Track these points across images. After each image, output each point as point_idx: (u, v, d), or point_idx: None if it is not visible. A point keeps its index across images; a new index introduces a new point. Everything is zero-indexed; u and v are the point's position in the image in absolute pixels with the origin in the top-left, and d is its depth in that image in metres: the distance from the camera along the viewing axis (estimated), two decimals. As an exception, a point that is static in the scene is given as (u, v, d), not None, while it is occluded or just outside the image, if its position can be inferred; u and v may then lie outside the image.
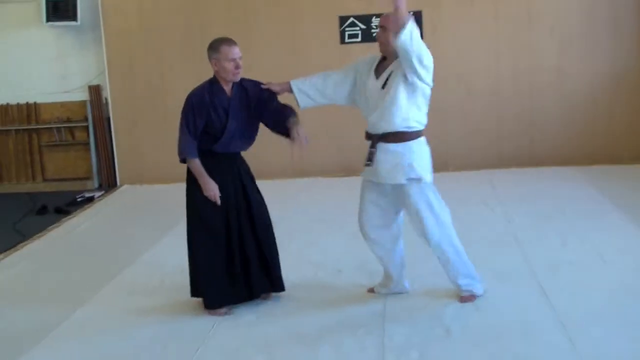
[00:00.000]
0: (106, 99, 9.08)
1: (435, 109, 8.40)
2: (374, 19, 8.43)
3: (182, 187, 8.55)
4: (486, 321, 4.29)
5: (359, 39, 8.54)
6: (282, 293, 4.89)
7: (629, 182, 7.56)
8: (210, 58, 4.59)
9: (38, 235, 6.95)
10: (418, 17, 8.39)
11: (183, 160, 4.68)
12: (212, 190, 4.57)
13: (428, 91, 4.57)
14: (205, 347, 4.21)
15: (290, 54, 8.63)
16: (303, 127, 4.57)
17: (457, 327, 4.23)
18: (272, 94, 4.73)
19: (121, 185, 9.03)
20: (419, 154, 4.52)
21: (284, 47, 8.66)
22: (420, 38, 4.34)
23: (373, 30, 8.46)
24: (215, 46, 4.56)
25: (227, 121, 4.59)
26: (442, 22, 8.50)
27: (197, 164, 4.59)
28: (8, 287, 5.56)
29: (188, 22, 8.72)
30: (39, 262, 6.15)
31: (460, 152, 8.61)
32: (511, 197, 7.21)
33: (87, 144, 9.22)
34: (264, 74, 8.48)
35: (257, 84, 4.75)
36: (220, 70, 4.58)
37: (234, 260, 4.66)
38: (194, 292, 4.75)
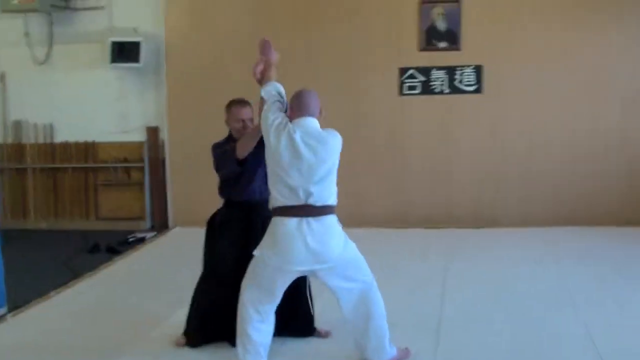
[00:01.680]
0: (163, 141, 9.17)
1: (494, 164, 8.48)
2: (433, 71, 8.43)
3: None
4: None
5: (418, 91, 8.51)
6: (333, 345, 4.84)
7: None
8: (225, 116, 5.02)
9: (89, 273, 6.99)
10: (479, 71, 8.37)
11: (232, 170, 4.87)
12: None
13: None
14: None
15: (350, 104, 8.63)
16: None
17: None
18: None
19: (173, 227, 9.06)
20: None
21: (344, 97, 8.65)
22: None
23: (432, 83, 8.46)
24: (228, 106, 5.02)
25: (242, 172, 4.82)
26: (504, 78, 8.44)
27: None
28: (57, 325, 5.56)
29: (249, 71, 8.77)
30: (88, 301, 6.15)
31: (516, 208, 8.49)
32: (567, 257, 7.04)
33: (142, 184, 9.30)
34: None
35: None
36: (231, 128, 5.00)
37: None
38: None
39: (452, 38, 8.42)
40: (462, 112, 8.52)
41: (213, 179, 8.81)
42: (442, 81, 8.45)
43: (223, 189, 5.07)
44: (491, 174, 8.56)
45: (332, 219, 4.26)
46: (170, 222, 9.15)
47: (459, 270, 6.69)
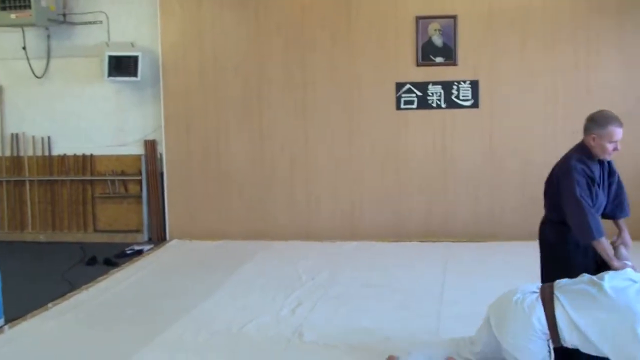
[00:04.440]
0: (161, 154, 9.20)
1: (491, 178, 8.50)
2: (430, 86, 8.48)
3: (230, 244, 8.55)
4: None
5: (415, 106, 8.55)
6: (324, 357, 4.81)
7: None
8: (590, 130, 4.47)
9: (86, 286, 6.99)
10: (475, 86, 8.41)
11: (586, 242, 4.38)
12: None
13: None
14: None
15: (347, 118, 8.69)
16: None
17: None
18: (619, 182, 4.73)
19: (170, 240, 9.06)
20: None
21: (341, 111, 8.71)
22: None
23: (428, 98, 8.49)
24: (602, 123, 4.42)
25: (597, 196, 4.46)
26: (500, 93, 8.47)
27: (605, 243, 4.32)
28: (54, 337, 5.57)
29: (246, 83, 8.83)
30: (85, 313, 6.15)
31: (514, 223, 8.50)
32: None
33: (140, 197, 9.32)
34: (318, 137, 8.69)
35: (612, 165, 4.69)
36: (596, 147, 4.46)
37: None
38: None
39: (448, 53, 8.47)
40: (459, 127, 8.55)
41: (210, 194, 8.94)
42: (439, 96, 8.50)
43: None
44: (488, 188, 8.58)
45: None
46: (168, 235, 9.16)
47: (455, 284, 6.70)
